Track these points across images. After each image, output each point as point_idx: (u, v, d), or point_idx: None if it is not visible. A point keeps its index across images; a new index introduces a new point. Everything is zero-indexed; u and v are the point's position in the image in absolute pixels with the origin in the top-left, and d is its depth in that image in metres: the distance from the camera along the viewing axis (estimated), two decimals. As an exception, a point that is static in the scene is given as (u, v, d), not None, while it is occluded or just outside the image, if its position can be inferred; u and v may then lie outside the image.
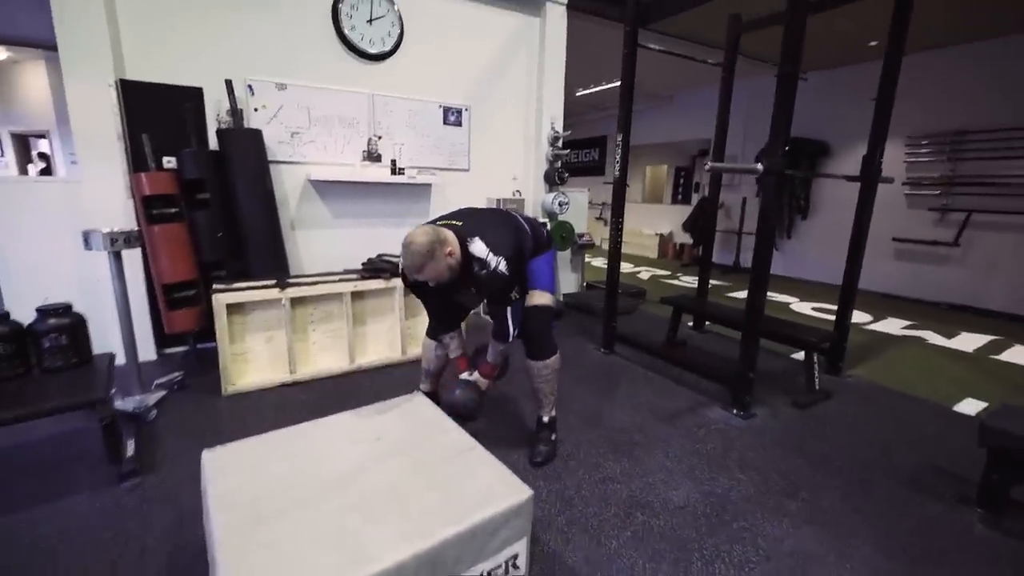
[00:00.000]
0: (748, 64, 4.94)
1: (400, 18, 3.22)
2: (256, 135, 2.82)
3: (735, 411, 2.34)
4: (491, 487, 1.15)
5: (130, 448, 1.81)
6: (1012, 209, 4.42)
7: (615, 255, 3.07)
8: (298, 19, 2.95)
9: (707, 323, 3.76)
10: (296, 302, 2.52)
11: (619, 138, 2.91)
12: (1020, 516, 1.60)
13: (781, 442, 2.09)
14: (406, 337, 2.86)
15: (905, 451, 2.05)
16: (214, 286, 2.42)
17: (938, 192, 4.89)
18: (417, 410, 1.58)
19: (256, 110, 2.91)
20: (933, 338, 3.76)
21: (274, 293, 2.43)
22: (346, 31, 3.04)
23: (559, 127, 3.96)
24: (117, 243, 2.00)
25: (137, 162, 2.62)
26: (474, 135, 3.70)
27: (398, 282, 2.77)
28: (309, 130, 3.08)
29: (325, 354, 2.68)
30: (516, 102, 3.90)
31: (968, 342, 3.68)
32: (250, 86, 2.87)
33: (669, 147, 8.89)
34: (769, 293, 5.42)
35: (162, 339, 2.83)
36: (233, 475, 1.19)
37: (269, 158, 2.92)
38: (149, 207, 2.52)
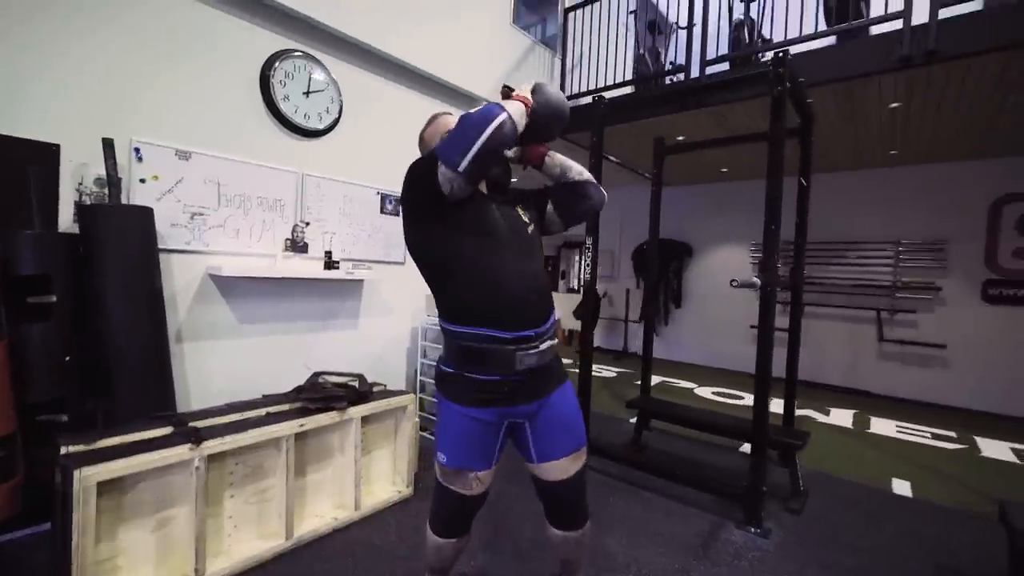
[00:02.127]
0: (626, 175, 5.60)
1: (340, 94, 2.82)
2: (144, 215, 2.02)
3: (752, 529, 2.22)
4: None
5: None
6: (830, 303, 5.63)
7: (587, 358, 2.90)
8: (217, 79, 2.35)
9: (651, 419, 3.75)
10: (211, 459, 1.70)
11: (588, 241, 2.87)
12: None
13: (815, 561, 2.00)
14: (361, 483, 2.15)
15: (911, 552, 2.12)
16: (64, 449, 1.50)
17: (779, 289, 6.00)
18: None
19: (143, 181, 2.12)
20: (816, 416, 4.35)
21: (182, 452, 1.60)
22: (278, 101, 2.52)
23: (495, 222, 3.82)
24: None
25: (-83, 247, 1.62)
26: (411, 226, 3.32)
27: (355, 411, 2.12)
28: (218, 211, 2.36)
29: (248, 531, 1.83)
30: (453, 194, 3.68)
31: (841, 418, 4.34)
32: (137, 149, 2.11)
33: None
34: (668, 378, 5.85)
35: (-87, 545, 1.63)
36: None
37: (159, 245, 2.11)
38: (-69, 320, 1.53)
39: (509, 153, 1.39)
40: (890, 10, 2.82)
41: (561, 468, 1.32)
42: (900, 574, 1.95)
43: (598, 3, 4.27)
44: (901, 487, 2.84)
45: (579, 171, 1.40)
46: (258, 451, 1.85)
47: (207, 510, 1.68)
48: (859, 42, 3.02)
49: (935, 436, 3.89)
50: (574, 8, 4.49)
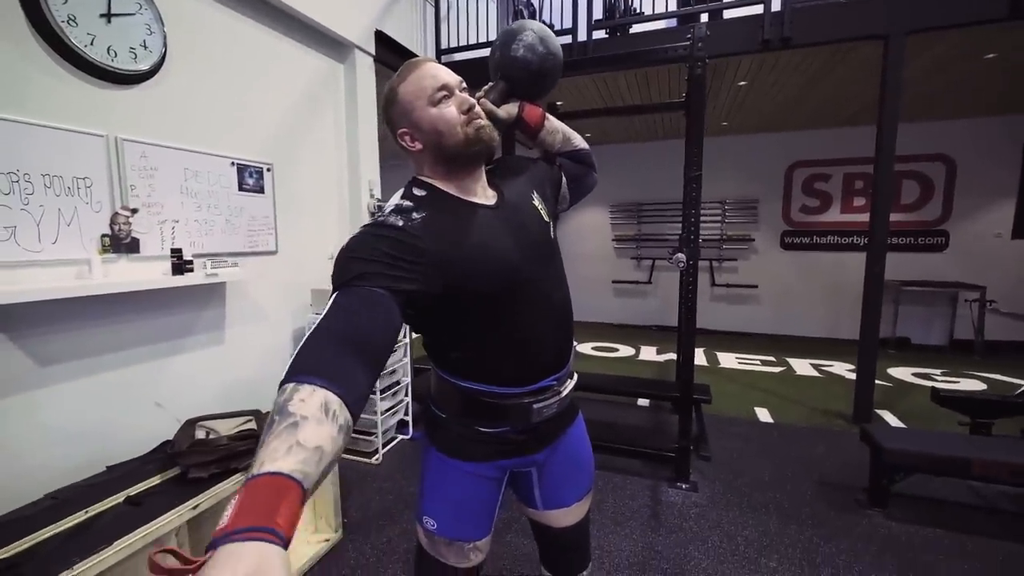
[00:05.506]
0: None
1: (162, 23, 1.98)
2: None
3: (683, 485, 2.42)
4: None
5: None
6: (675, 256, 6.44)
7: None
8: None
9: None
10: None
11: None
12: (899, 505, 2.22)
13: (742, 503, 2.27)
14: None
15: (796, 473, 2.56)
16: None
17: (635, 246, 6.64)
18: None
19: None
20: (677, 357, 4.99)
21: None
22: (57, 23, 1.64)
23: (379, 194, 3.30)
24: None
25: None
26: (280, 205, 2.63)
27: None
28: (-31, 201, 1.48)
29: (133, 674, 1.27)
30: (327, 164, 3.03)
31: (696, 357, 5.04)
32: None
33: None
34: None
35: None
36: None
37: None
38: None
39: (501, 114, 1.06)
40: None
41: (571, 514, 1.14)
42: (798, 498, 2.33)
43: (471, -58, 3.83)
44: (763, 415, 3.43)
45: (579, 136, 1.20)
46: (131, 561, 1.27)
47: (62, 678, 1.09)
48: (728, 23, 3.25)
49: (764, 363, 4.80)
50: (442, -56, 3.95)
